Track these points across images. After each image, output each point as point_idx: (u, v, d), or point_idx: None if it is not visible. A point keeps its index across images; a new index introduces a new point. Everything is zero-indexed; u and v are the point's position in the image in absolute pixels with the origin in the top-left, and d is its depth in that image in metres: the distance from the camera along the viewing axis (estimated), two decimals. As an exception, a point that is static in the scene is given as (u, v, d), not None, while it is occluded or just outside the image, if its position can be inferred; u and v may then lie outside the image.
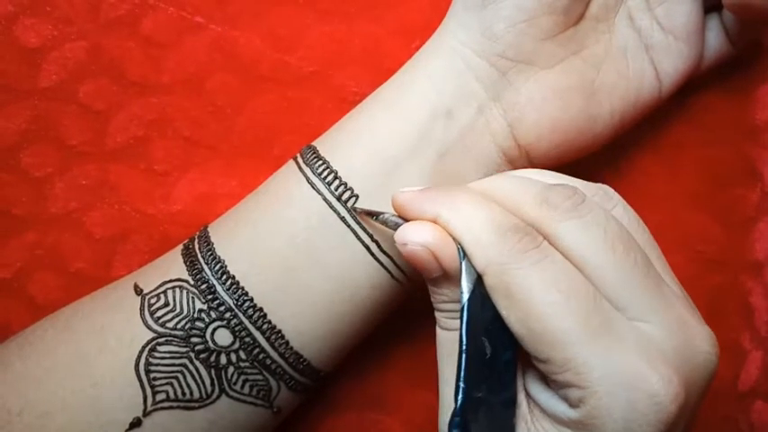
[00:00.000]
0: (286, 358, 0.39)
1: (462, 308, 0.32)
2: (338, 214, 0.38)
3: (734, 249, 0.46)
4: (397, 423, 0.46)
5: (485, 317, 0.32)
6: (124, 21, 0.46)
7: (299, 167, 0.40)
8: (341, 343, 0.40)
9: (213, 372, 0.38)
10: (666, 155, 0.46)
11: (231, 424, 0.39)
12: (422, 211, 0.34)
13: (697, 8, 0.41)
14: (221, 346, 0.38)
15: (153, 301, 0.39)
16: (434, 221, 0.34)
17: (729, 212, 0.46)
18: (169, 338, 0.38)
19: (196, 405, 0.38)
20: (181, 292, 0.39)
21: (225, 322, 0.38)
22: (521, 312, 0.31)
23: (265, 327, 0.38)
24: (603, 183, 0.46)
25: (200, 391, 0.38)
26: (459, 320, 0.33)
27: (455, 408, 0.31)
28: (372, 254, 0.38)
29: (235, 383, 0.38)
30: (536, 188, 0.34)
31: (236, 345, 0.38)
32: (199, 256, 0.39)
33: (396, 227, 0.35)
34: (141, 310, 0.38)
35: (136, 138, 0.46)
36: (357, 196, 0.39)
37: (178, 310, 0.38)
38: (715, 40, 0.43)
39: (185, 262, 0.39)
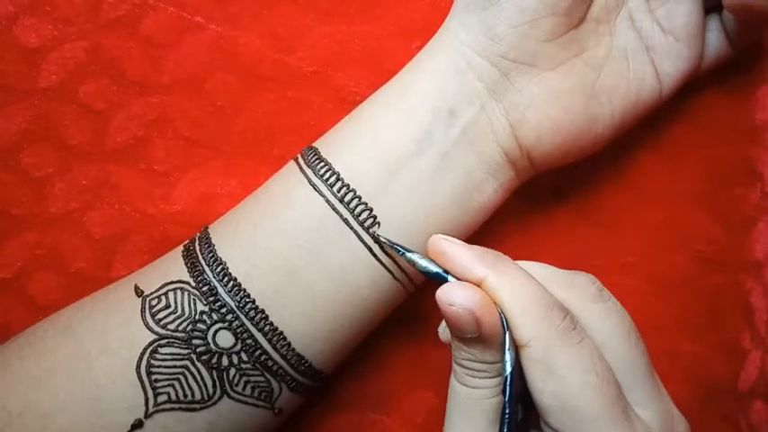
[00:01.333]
0: (288, 359, 0.39)
1: (506, 379, 0.34)
2: (340, 216, 0.38)
3: (734, 249, 0.46)
4: (397, 423, 0.46)
5: (520, 385, 0.34)
6: (124, 21, 0.46)
7: (301, 169, 0.40)
8: (342, 343, 0.40)
9: (215, 373, 0.38)
10: (666, 155, 0.46)
11: (232, 425, 0.39)
12: (468, 269, 0.35)
13: (697, 9, 0.41)
14: (223, 348, 0.38)
15: (154, 302, 0.39)
16: (479, 283, 0.35)
17: (729, 212, 0.46)
18: (170, 340, 0.38)
19: (197, 406, 0.38)
20: (182, 293, 0.39)
21: (226, 324, 0.38)
22: (558, 387, 0.33)
23: (267, 328, 0.38)
24: (604, 183, 0.46)
25: (201, 393, 0.38)
26: (478, 379, 0.35)
27: None
28: (374, 255, 0.38)
29: (236, 385, 0.38)
30: (561, 271, 0.37)
31: (238, 346, 0.38)
32: (200, 257, 0.39)
33: (424, 270, 0.36)
34: (142, 311, 0.38)
35: (136, 138, 0.46)
36: (360, 197, 0.39)
37: (179, 311, 0.38)
38: (715, 40, 0.43)
39: (186, 263, 0.39)
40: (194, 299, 0.38)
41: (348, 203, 0.38)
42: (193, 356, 0.38)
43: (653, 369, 0.36)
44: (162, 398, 0.38)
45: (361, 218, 0.38)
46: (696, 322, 0.46)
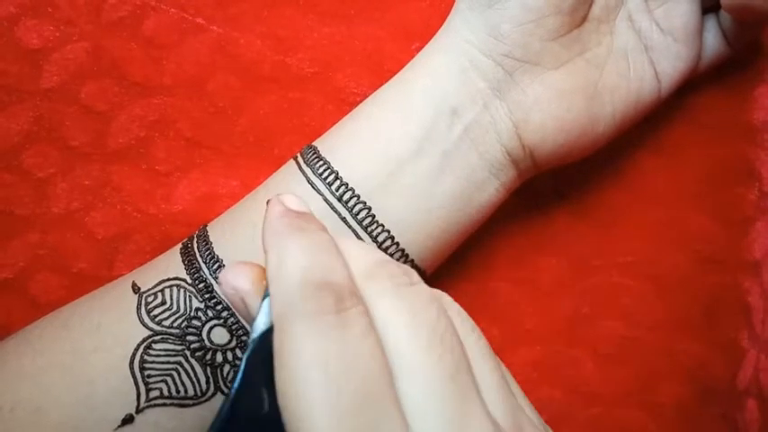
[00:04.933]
0: None
1: (246, 349, 0.28)
2: (339, 215, 0.38)
3: (732, 249, 0.46)
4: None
5: (269, 369, 0.27)
6: (126, 22, 0.46)
7: (300, 167, 0.40)
8: None
9: (209, 369, 0.38)
10: (666, 155, 0.46)
11: None
12: (264, 241, 0.29)
13: (695, 9, 0.41)
14: (218, 345, 0.38)
15: (150, 299, 0.39)
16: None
17: (728, 212, 0.46)
18: (165, 336, 0.38)
19: (190, 402, 0.38)
20: (178, 290, 0.39)
21: (222, 321, 0.38)
22: (281, 380, 0.26)
23: None
24: (603, 183, 0.46)
25: (194, 389, 0.38)
26: None
27: None
28: None
29: (230, 381, 0.38)
30: (379, 255, 0.31)
31: (233, 343, 0.38)
32: (197, 255, 0.39)
33: None
34: (138, 308, 0.38)
35: (138, 138, 0.46)
36: (358, 196, 0.39)
37: (175, 308, 0.38)
38: (713, 40, 0.43)
39: (183, 261, 0.39)
40: (190, 296, 0.38)
41: (347, 203, 0.38)
42: (187, 353, 0.38)
43: (476, 399, 0.28)
44: (154, 393, 0.38)
45: (359, 217, 0.38)
46: (695, 322, 0.46)
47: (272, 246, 0.29)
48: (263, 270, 0.29)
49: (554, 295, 0.46)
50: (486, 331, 0.46)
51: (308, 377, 0.25)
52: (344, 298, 0.27)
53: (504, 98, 0.39)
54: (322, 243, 0.29)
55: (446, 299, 0.31)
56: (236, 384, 0.27)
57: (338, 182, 0.39)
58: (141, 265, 0.43)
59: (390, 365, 0.27)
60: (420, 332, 0.27)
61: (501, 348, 0.46)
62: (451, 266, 0.45)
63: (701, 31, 0.42)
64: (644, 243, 0.46)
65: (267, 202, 0.31)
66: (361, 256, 0.30)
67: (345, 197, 0.38)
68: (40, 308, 0.46)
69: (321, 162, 0.39)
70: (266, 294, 0.29)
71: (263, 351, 0.27)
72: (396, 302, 0.28)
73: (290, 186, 0.40)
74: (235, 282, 0.29)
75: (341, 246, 0.30)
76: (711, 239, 0.46)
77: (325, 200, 0.39)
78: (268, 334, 0.28)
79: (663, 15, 0.41)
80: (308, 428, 0.25)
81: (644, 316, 0.45)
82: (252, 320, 0.29)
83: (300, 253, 0.28)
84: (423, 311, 0.28)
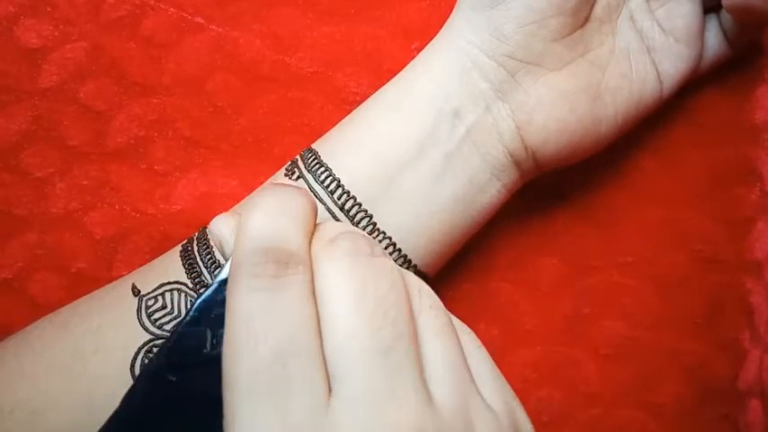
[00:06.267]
0: None
1: (204, 289, 0.31)
2: None
3: (733, 249, 0.45)
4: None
5: (220, 314, 0.30)
6: (125, 21, 0.46)
7: (301, 174, 0.40)
8: None
9: None
10: (666, 155, 0.46)
11: None
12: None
13: (697, 10, 0.41)
14: None
15: (150, 302, 0.39)
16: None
17: (729, 212, 0.46)
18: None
19: None
20: (179, 294, 0.39)
21: None
22: (226, 328, 0.29)
23: None
24: (604, 183, 0.46)
25: None
26: None
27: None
28: None
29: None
30: (349, 227, 0.32)
31: None
32: (198, 258, 0.39)
33: None
34: (138, 311, 0.38)
35: (137, 138, 0.46)
36: (360, 204, 0.38)
37: (176, 312, 0.38)
38: (714, 41, 0.43)
39: (184, 264, 0.39)
40: (191, 300, 0.38)
41: (348, 211, 0.38)
42: None
43: (411, 375, 0.29)
44: None
45: (360, 225, 0.38)
46: (696, 322, 0.46)
47: (248, 205, 0.31)
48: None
49: (554, 295, 0.46)
50: (486, 331, 0.46)
51: (236, 329, 0.28)
52: (288, 264, 0.29)
53: (506, 99, 0.39)
54: (289, 210, 0.31)
55: (410, 276, 0.32)
56: (187, 318, 0.30)
57: (340, 190, 0.39)
58: (140, 265, 0.43)
59: (323, 330, 0.28)
60: (363, 303, 0.28)
61: (501, 348, 0.46)
62: (452, 267, 0.45)
63: (702, 32, 0.42)
64: (644, 243, 0.46)
65: None
66: (331, 228, 0.32)
67: (347, 206, 0.38)
68: (39, 308, 0.46)
69: (323, 169, 0.39)
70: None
71: (217, 296, 0.30)
72: (346, 271, 0.29)
73: None
74: (216, 229, 0.33)
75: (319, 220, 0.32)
76: (712, 239, 0.46)
77: (327, 208, 0.38)
78: (225, 283, 0.30)
79: (664, 15, 0.41)
80: (232, 375, 0.27)
81: (644, 316, 0.45)
82: (221, 266, 0.31)
83: (262, 217, 0.30)
84: (373, 283, 0.29)
